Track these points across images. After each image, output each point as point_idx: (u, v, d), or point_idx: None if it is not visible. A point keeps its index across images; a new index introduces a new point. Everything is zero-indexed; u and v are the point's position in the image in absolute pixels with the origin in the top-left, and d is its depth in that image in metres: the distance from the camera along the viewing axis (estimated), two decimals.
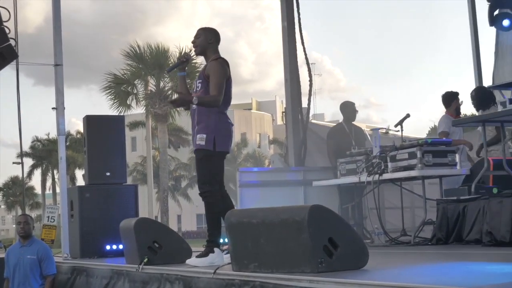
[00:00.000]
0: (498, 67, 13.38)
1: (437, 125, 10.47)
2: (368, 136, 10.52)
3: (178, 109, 42.06)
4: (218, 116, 6.55)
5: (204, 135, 6.49)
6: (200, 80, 6.64)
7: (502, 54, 13.38)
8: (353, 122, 11.08)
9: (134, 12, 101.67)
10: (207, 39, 6.70)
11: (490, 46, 13.68)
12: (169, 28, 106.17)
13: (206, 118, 6.53)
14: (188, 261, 6.49)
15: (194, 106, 6.58)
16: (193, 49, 6.77)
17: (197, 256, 6.47)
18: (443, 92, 10.00)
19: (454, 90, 10.04)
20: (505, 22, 11.23)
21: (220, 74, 6.52)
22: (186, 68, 6.88)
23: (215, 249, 6.34)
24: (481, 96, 9.70)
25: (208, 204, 6.50)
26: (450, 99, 9.90)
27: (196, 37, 6.74)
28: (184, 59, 6.78)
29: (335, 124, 11.93)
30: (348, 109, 11.05)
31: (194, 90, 6.69)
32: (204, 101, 6.50)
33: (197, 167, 6.60)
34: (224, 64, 6.61)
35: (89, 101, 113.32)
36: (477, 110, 9.79)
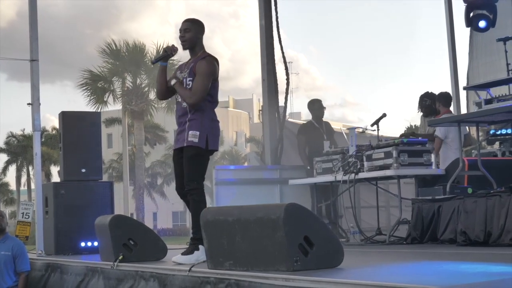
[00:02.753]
0: (473, 68, 13.49)
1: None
2: (345, 135, 10.54)
3: (155, 106, 42.10)
4: (210, 115, 6.56)
5: (198, 133, 6.45)
6: (190, 77, 6.53)
7: (476, 55, 13.50)
8: (322, 119, 11.17)
9: (108, 7, 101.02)
10: (197, 34, 6.62)
11: (466, 47, 13.79)
12: (144, 24, 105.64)
13: (200, 116, 6.49)
14: (173, 259, 6.44)
15: (184, 104, 6.55)
16: (182, 43, 6.65)
17: (182, 254, 6.45)
18: (443, 91, 10.18)
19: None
20: (481, 23, 11.29)
21: (207, 75, 6.46)
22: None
23: (200, 247, 6.29)
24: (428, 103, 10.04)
25: (195, 201, 6.46)
26: (451, 98, 10.15)
27: (185, 30, 6.61)
28: (170, 53, 6.71)
29: (305, 121, 11.98)
30: (316, 106, 11.14)
31: (184, 87, 6.58)
32: (182, 92, 6.49)
33: (186, 164, 6.51)
34: (214, 63, 6.55)
35: (63, 97, 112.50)
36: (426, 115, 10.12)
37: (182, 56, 6.80)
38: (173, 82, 6.57)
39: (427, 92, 10.25)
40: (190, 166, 6.51)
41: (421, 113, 10.35)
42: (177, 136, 6.65)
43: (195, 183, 6.48)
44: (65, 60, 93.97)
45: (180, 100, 6.62)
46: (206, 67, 6.48)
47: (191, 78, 6.53)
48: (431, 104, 10.13)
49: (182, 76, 6.63)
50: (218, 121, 6.68)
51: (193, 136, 6.46)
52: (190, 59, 6.69)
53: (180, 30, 6.66)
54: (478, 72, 13.33)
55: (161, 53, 6.84)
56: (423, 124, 10.29)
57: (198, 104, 6.46)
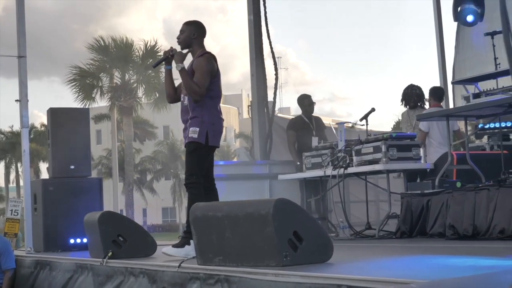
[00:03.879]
0: (459, 62, 13.52)
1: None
2: (334, 130, 10.56)
3: (140, 102, 42.04)
4: (212, 111, 6.60)
5: (197, 129, 6.53)
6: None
7: (462, 49, 13.52)
8: (312, 114, 11.18)
9: (96, 2, 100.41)
10: (190, 35, 6.71)
11: (454, 41, 13.81)
12: (131, 20, 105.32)
13: (200, 112, 6.57)
14: (163, 250, 6.50)
15: (185, 102, 6.64)
16: (178, 44, 6.77)
17: (173, 246, 6.49)
18: (436, 86, 10.23)
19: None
20: (469, 18, 11.30)
21: (205, 71, 6.54)
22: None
23: (191, 241, 6.31)
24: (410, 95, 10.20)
25: (192, 194, 6.52)
26: (443, 93, 10.23)
27: (180, 33, 6.76)
28: (169, 55, 6.76)
29: (295, 116, 11.99)
30: (305, 102, 11.16)
31: (183, 86, 6.69)
32: (189, 82, 6.52)
33: (187, 159, 6.65)
34: (210, 60, 6.63)
35: (51, 93, 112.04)
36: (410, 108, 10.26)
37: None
38: (179, 68, 6.60)
39: (412, 84, 10.32)
40: (189, 161, 6.63)
41: (406, 108, 10.38)
42: (183, 134, 6.78)
43: (194, 177, 6.56)
44: (52, 56, 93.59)
45: (182, 99, 6.72)
46: (202, 64, 6.58)
47: (190, 76, 6.62)
48: (420, 95, 10.17)
49: None
50: (221, 118, 6.74)
51: (193, 132, 6.56)
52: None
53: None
54: (464, 66, 13.36)
55: (162, 56, 6.91)
56: (408, 119, 10.29)
57: (201, 97, 6.51)
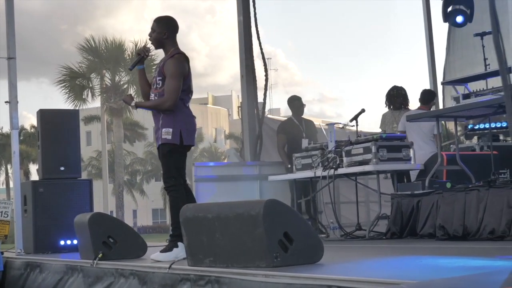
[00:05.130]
0: (450, 62, 13.57)
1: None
2: (324, 131, 10.57)
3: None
4: (183, 110, 6.52)
5: (170, 129, 6.43)
6: (160, 77, 6.52)
7: (453, 49, 13.56)
8: (302, 116, 11.19)
9: (84, 3, 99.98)
10: (161, 34, 6.58)
11: (444, 42, 13.87)
12: (120, 20, 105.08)
13: (172, 112, 6.46)
14: (152, 256, 6.43)
15: None
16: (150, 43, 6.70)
17: (161, 251, 6.42)
18: (425, 89, 10.29)
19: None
20: (459, 18, 11.35)
21: (176, 75, 6.43)
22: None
23: (179, 244, 6.28)
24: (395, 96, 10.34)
25: (173, 198, 6.45)
26: (432, 97, 10.23)
27: (152, 30, 6.62)
28: (144, 54, 6.70)
29: (285, 119, 12.00)
30: (295, 103, 11.17)
31: (154, 87, 6.58)
32: (147, 105, 6.53)
33: (163, 162, 6.54)
34: (181, 61, 6.49)
35: (40, 95, 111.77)
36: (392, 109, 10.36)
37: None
38: (133, 103, 6.59)
39: (396, 85, 10.40)
40: (166, 164, 6.52)
41: (389, 109, 10.43)
42: (155, 134, 6.69)
43: (172, 179, 6.48)
44: (40, 57, 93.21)
45: (151, 99, 6.61)
46: (173, 67, 6.45)
47: (160, 77, 6.52)
48: (403, 96, 10.25)
49: (153, 75, 6.65)
50: (193, 116, 6.64)
51: (166, 133, 6.46)
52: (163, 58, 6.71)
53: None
54: (454, 67, 13.41)
55: (135, 57, 6.83)
56: (393, 120, 10.33)
57: (174, 105, 6.43)
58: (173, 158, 6.49)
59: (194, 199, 6.68)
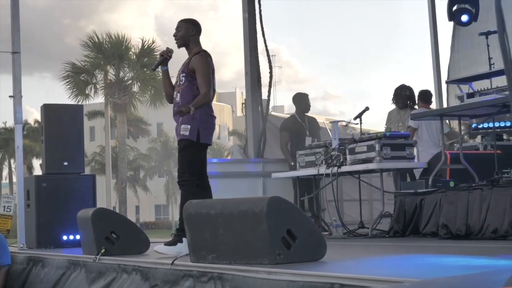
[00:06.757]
0: (454, 61, 13.55)
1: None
2: (328, 128, 10.56)
3: (140, 99, 42.09)
4: (203, 109, 6.59)
5: (189, 126, 6.52)
6: (184, 74, 6.65)
7: (458, 48, 13.54)
8: (306, 114, 11.16)
9: None
10: (188, 32, 6.73)
11: (448, 41, 13.85)
12: (122, 16, 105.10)
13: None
14: (156, 248, 6.48)
15: (177, 99, 6.64)
16: (175, 41, 6.79)
17: (165, 244, 6.47)
18: (424, 89, 10.30)
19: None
20: (464, 17, 11.33)
21: (206, 68, 6.57)
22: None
23: (184, 239, 6.30)
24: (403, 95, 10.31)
25: (185, 192, 6.52)
26: (431, 96, 10.32)
27: (177, 30, 6.76)
28: (167, 56, 6.78)
29: (288, 116, 11.99)
30: (302, 100, 11.14)
31: (178, 84, 6.70)
32: (199, 103, 6.54)
33: (179, 157, 6.65)
34: (207, 57, 6.65)
35: (42, 89, 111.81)
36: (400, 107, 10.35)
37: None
38: (192, 110, 6.52)
39: (404, 84, 10.39)
40: (181, 159, 6.62)
41: (395, 106, 10.44)
42: (175, 131, 6.78)
43: (187, 175, 6.55)
44: (43, 51, 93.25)
45: (175, 96, 6.71)
46: (201, 63, 6.59)
47: (184, 74, 6.63)
48: (410, 95, 10.26)
49: (179, 73, 6.75)
50: (213, 116, 6.73)
51: (184, 129, 6.55)
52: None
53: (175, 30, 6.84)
54: (459, 66, 13.39)
55: (158, 58, 6.92)
56: (399, 118, 10.33)
57: (211, 94, 6.58)
58: (189, 154, 6.57)
59: (211, 197, 6.70)
